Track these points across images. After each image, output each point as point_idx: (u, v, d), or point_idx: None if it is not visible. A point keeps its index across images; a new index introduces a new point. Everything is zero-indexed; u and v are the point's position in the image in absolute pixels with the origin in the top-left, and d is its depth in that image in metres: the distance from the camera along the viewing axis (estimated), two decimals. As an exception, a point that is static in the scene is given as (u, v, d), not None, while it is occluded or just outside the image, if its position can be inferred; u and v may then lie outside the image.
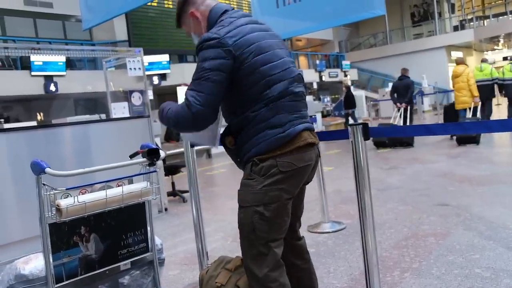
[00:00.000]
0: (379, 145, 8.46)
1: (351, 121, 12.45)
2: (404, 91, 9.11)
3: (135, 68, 4.85)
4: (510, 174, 5.24)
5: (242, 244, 1.71)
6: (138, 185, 2.04)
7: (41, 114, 14.02)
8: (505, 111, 9.81)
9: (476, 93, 8.33)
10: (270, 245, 1.64)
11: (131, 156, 2.05)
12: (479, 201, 4.09)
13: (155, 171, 2.06)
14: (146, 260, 2.20)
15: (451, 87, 22.28)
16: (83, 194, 1.91)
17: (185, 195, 5.67)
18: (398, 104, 9.04)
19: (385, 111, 17.23)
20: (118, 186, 2.04)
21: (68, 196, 1.84)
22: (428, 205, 4.11)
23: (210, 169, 8.37)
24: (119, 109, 6.72)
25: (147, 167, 2.08)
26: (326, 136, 2.44)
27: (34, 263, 1.89)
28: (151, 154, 2.00)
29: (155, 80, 13.98)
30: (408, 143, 8.25)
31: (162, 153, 2.05)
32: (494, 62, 28.65)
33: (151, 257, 2.22)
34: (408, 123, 8.71)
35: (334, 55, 23.74)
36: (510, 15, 25.51)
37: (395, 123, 8.67)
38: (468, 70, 8.56)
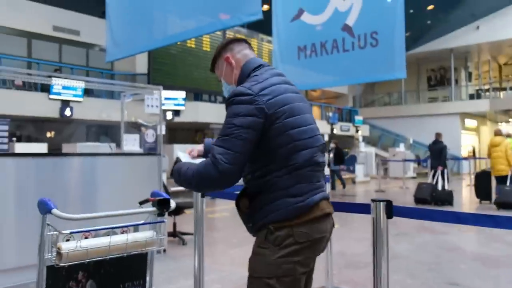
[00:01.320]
0: (419, 201, 9.27)
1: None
2: (438, 154, 9.91)
3: (152, 106, 4.89)
4: None
5: None
6: (144, 234, 1.97)
7: (52, 134, 14.15)
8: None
9: None
10: None
11: (141, 203, 1.99)
12: (491, 284, 3.90)
13: (163, 221, 1.99)
14: (141, 312, 2.09)
15: (462, 154, 22.30)
16: (86, 238, 1.84)
17: (185, 237, 5.54)
18: (440, 167, 9.80)
19: (394, 170, 17.11)
20: (123, 232, 1.97)
21: (69, 239, 1.78)
22: (437, 283, 3.92)
23: (213, 211, 8.23)
24: (130, 141, 6.75)
25: (156, 217, 2.02)
26: (345, 208, 2.34)
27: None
28: (162, 204, 1.94)
29: (169, 115, 14.14)
30: (449, 202, 9.08)
31: (173, 204, 1.99)
32: (509, 135, 28.61)
33: (146, 310, 2.11)
34: (446, 184, 9.71)
35: (347, 109, 23.98)
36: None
37: (433, 183, 9.65)
38: (506, 142, 9.39)
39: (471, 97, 25.02)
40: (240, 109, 1.54)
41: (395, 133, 23.72)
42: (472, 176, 12.23)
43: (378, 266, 1.77)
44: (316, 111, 22.43)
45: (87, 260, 1.82)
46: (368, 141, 22.60)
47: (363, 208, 1.89)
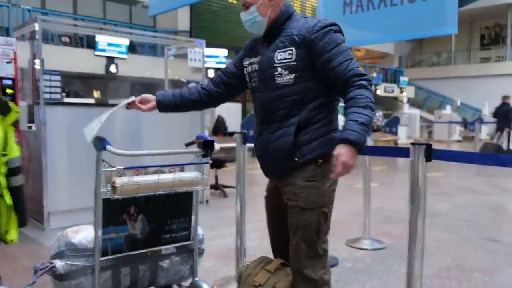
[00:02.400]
0: None
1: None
2: (504, 116, 10.51)
3: (195, 59, 4.96)
4: None
5: (298, 246, 1.71)
6: (190, 174, 2.07)
7: (99, 92, 14.65)
8: None
9: None
10: (325, 246, 1.72)
11: (187, 145, 2.09)
12: (533, 243, 3.83)
13: (208, 162, 2.09)
14: (187, 248, 2.24)
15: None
16: (136, 175, 1.97)
17: (226, 190, 5.73)
18: (507, 128, 10.31)
19: (439, 133, 16.57)
20: (170, 172, 2.09)
21: (122, 175, 1.91)
22: (477, 238, 3.91)
23: (253, 168, 8.39)
24: None
25: (200, 158, 2.12)
26: (385, 152, 2.35)
27: (84, 234, 1.97)
28: (206, 146, 2.03)
29: (211, 73, 14.22)
30: None
31: (217, 146, 2.07)
32: None
33: (192, 246, 2.26)
34: (510, 145, 10.25)
35: (392, 70, 23.14)
36: None
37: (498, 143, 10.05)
38: None
39: (527, 57, 23.41)
40: (342, 36, 1.70)
41: (442, 95, 22.74)
42: None
43: (414, 212, 1.79)
44: (359, 71, 21.81)
45: (138, 195, 1.95)
46: (413, 103, 21.88)
47: (402, 152, 1.90)
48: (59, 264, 1.90)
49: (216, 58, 14.29)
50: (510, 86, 21.76)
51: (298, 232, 1.71)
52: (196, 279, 2.29)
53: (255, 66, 1.81)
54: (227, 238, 3.72)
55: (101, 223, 1.90)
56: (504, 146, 9.91)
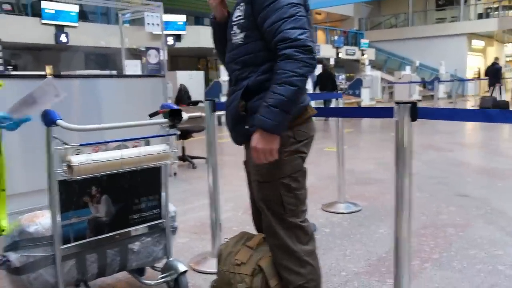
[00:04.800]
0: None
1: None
2: (495, 74, 12.63)
3: (153, 24, 4.61)
4: None
5: (268, 220, 1.60)
6: (157, 148, 1.87)
7: (50, 66, 13.77)
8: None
9: None
10: (297, 219, 1.58)
11: (151, 115, 1.88)
12: (499, 195, 3.95)
13: (176, 133, 1.89)
14: (158, 227, 2.07)
15: (468, 76, 21.93)
16: (96, 152, 1.75)
17: (195, 161, 5.53)
18: (498, 83, 12.60)
19: (400, 94, 16.87)
20: (134, 146, 1.88)
21: (79, 153, 1.69)
22: (447, 195, 3.97)
23: (220, 136, 8.20)
24: (131, 67, 6.48)
25: (167, 129, 1.92)
26: (368, 113, 2.24)
27: (40, 221, 1.75)
28: (173, 115, 1.82)
29: (170, 40, 13.62)
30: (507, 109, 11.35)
31: (185, 115, 1.87)
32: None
33: (164, 225, 2.08)
34: (502, 97, 12.51)
35: (353, 32, 23.11)
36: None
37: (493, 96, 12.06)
38: None
39: (480, 16, 24.04)
40: None
41: (401, 56, 23.05)
42: (477, 98, 14.57)
43: (401, 169, 1.70)
44: (320, 35, 21.66)
45: (100, 174, 1.74)
46: (373, 65, 22.05)
47: (386, 112, 1.79)
48: (13, 256, 1.68)
49: (174, 24, 13.69)
50: (464, 45, 22.40)
51: (264, 205, 1.59)
52: (171, 259, 2.13)
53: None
54: (199, 212, 3.57)
55: (59, 208, 1.68)
56: (498, 98, 11.98)
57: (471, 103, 15.89)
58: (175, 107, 1.86)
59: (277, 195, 1.54)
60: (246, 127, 1.52)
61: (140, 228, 1.99)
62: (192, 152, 5.71)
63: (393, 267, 1.82)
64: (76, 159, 1.62)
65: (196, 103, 11.59)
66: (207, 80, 15.65)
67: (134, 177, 1.91)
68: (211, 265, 2.52)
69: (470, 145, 7.08)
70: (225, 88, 12.73)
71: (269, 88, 1.40)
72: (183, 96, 10.94)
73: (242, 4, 1.51)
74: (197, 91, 12.59)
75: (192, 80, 12.74)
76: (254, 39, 1.48)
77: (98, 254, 1.88)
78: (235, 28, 1.53)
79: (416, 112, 1.69)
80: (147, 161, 1.83)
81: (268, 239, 1.63)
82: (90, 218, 1.82)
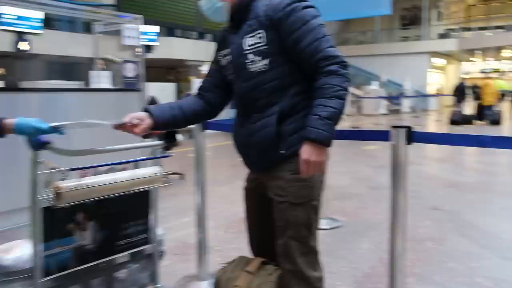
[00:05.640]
0: (453, 123, 13.14)
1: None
2: (461, 92, 14.25)
3: (131, 37, 4.44)
4: (492, 183, 5.36)
5: (289, 244, 1.54)
6: (149, 170, 1.77)
7: (5, 70, 13.16)
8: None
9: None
10: (316, 242, 1.57)
11: (145, 137, 1.77)
12: (469, 208, 4.11)
13: (169, 155, 1.80)
14: (145, 252, 1.96)
15: (430, 92, 22.84)
16: (83, 176, 1.63)
17: (172, 177, 5.39)
18: (463, 100, 14.18)
19: (368, 108, 17.30)
20: (122, 169, 1.77)
21: (65, 177, 1.56)
22: (421, 208, 4.06)
23: (191, 151, 8.08)
24: (101, 78, 6.20)
25: (157, 151, 1.82)
26: (365, 135, 2.23)
27: (18, 252, 1.60)
28: (169, 137, 1.73)
29: (140, 52, 13.35)
30: (471, 123, 13.07)
31: (180, 137, 1.78)
32: (468, 73, 29.71)
33: (151, 250, 1.97)
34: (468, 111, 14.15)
35: (321, 48, 23.55)
36: (490, 31, 26.21)
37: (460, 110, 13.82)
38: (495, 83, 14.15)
39: (441, 36, 25.20)
40: (313, 11, 1.48)
41: (368, 72, 23.69)
42: (439, 112, 16.41)
43: (396, 194, 1.71)
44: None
45: (87, 200, 1.62)
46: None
47: (382, 135, 1.80)
48: (-12, 292, 1.53)
49: (146, 35, 13.46)
50: (426, 63, 23.34)
51: (289, 229, 1.53)
52: (159, 285, 2.02)
53: (229, 58, 1.59)
54: (179, 231, 3.45)
55: (41, 237, 1.55)
56: (464, 112, 13.76)
57: (434, 118, 16.49)
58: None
59: (307, 218, 1.53)
60: (282, 151, 1.48)
61: (127, 255, 1.87)
62: (168, 167, 5.57)
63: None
64: (66, 185, 1.49)
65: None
66: (179, 92, 15.47)
67: (122, 201, 1.79)
68: (198, 289, 2.42)
69: (438, 159, 7.32)
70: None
71: (301, 111, 1.47)
72: (154, 108, 10.71)
73: (260, 31, 1.47)
74: (169, 103, 12.40)
75: (164, 92, 12.55)
76: (281, 64, 1.47)
77: (81, 285, 1.75)
78: (251, 56, 1.48)
79: (411, 136, 1.71)
80: (139, 184, 1.72)
81: (282, 264, 1.56)
82: (75, 247, 1.69)
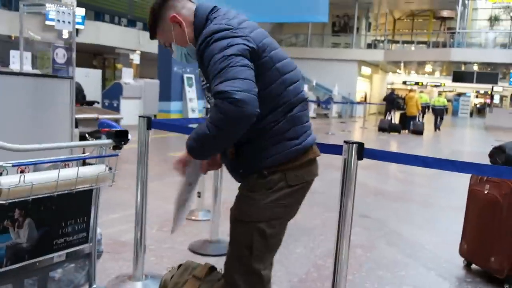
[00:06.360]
0: (380, 129, 14.17)
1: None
2: (392, 102, 15.53)
3: (63, 21, 4.21)
4: (414, 193, 5.72)
5: (230, 258, 1.54)
6: (95, 168, 1.73)
7: None
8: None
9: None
10: (259, 266, 1.51)
11: (91, 134, 1.73)
12: (394, 216, 4.37)
13: (117, 154, 1.77)
14: (83, 252, 1.91)
15: (357, 99, 24.06)
16: (21, 172, 1.56)
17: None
18: (393, 110, 15.30)
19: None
20: (65, 166, 1.72)
21: (1, 173, 1.48)
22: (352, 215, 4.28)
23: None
24: (19, 59, 5.70)
25: (104, 150, 1.79)
26: (319, 148, 2.35)
27: None
28: (120, 136, 1.70)
29: (65, 34, 12.59)
30: (398, 131, 14.16)
31: (130, 137, 1.76)
32: (392, 83, 31.72)
33: (89, 249, 1.93)
34: (394, 120, 15.20)
35: (255, 47, 23.78)
36: (413, 45, 28.23)
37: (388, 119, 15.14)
38: (417, 95, 15.30)
39: (369, 46, 26.66)
40: (225, 42, 1.35)
41: (299, 75, 24.33)
42: (365, 119, 17.01)
43: (344, 206, 1.82)
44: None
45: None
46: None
47: (335, 149, 1.90)
48: None
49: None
50: (355, 70, 24.57)
51: (231, 243, 1.54)
52: (94, 286, 1.97)
53: None
54: (109, 228, 3.35)
55: (-25, 235, 1.46)
56: (393, 121, 14.78)
57: (359, 124, 17.42)
58: (118, 126, 1.75)
59: (248, 238, 1.47)
60: (240, 170, 1.52)
61: (64, 254, 1.81)
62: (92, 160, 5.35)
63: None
64: (6, 181, 1.42)
65: (91, 103, 10.84)
66: (104, 79, 14.81)
67: (64, 198, 1.73)
68: (133, 289, 2.39)
69: (366, 167, 7.75)
70: (126, 91, 12.18)
71: (257, 137, 1.45)
72: (77, 95, 10.14)
73: (199, 67, 1.50)
74: (94, 90, 11.83)
75: (88, 79, 11.94)
76: None
77: (14, 284, 1.66)
78: (206, 92, 1.53)
79: (362, 152, 1.79)
80: (84, 183, 1.68)
81: (224, 274, 1.58)
82: (9, 245, 1.61)
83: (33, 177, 1.50)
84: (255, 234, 1.47)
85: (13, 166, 1.43)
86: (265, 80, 1.41)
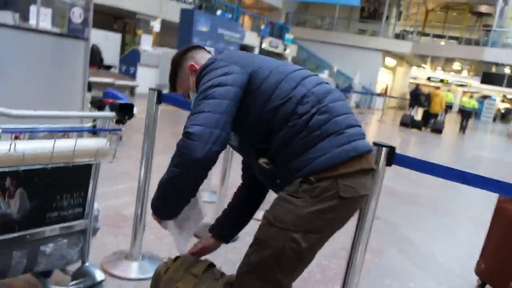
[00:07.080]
0: (402, 124, 13.99)
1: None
2: (415, 97, 15.43)
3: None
4: (428, 198, 5.44)
5: (250, 262, 1.34)
6: (95, 142, 1.60)
7: None
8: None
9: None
10: (287, 282, 1.35)
11: (94, 104, 1.60)
12: (407, 221, 4.19)
13: (120, 129, 1.63)
14: (77, 227, 1.80)
15: (377, 91, 23.43)
16: (16, 139, 1.44)
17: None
18: (416, 105, 15.51)
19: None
20: (63, 137, 1.59)
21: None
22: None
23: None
24: (40, 16, 5.53)
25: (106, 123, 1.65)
26: None
27: None
28: (124, 109, 1.56)
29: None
30: (419, 128, 13.85)
31: (136, 111, 1.62)
32: (415, 78, 30.80)
33: (84, 225, 1.81)
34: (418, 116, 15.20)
35: (279, 25, 23.32)
36: (445, 40, 27.22)
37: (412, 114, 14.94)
38: (443, 93, 14.85)
39: (396, 36, 25.73)
40: (212, 74, 1.35)
41: (320, 58, 23.83)
42: (383, 112, 16.49)
43: (364, 213, 1.65)
44: (247, 21, 21.50)
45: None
46: (294, 62, 22.57)
47: None
48: None
49: None
50: (378, 60, 23.86)
51: (257, 246, 1.33)
52: (87, 264, 1.87)
53: None
54: (112, 199, 3.26)
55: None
56: (415, 117, 14.51)
57: (376, 117, 16.96)
58: (124, 98, 1.61)
59: (279, 246, 1.28)
60: (278, 180, 1.36)
61: (57, 228, 1.71)
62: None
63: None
64: (-4, 148, 1.30)
65: (108, 67, 10.70)
66: (123, 44, 14.64)
67: (59, 171, 1.61)
68: (127, 269, 2.30)
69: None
70: (144, 58, 12.00)
71: (290, 152, 1.33)
72: (95, 58, 10.06)
73: None
74: (111, 54, 11.70)
75: (107, 42, 11.77)
76: (241, 127, 1.39)
77: (1, 255, 1.57)
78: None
79: (392, 157, 1.55)
80: (82, 156, 1.55)
81: (237, 278, 1.39)
82: (-2, 215, 1.50)
83: (25, 146, 1.38)
84: (288, 244, 1.28)
85: (3, 132, 1.30)
86: (270, 82, 1.35)
